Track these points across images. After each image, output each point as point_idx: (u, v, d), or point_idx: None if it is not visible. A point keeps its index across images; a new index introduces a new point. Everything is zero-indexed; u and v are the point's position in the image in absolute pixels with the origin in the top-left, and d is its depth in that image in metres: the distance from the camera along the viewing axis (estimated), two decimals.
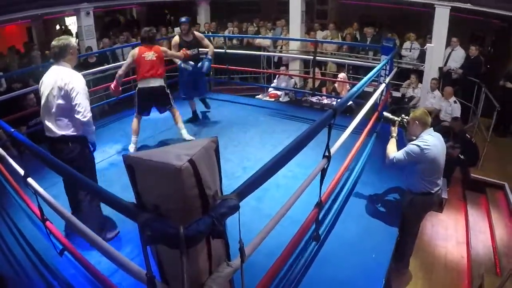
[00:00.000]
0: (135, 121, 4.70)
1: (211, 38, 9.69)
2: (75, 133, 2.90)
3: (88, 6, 8.78)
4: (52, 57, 2.94)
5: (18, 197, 3.22)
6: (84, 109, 2.82)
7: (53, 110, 2.85)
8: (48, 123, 2.89)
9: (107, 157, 4.56)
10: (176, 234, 1.26)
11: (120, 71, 4.52)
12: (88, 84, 7.45)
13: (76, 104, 2.80)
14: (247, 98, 7.11)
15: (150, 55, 4.47)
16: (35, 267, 2.80)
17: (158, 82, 4.54)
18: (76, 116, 2.82)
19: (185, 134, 4.88)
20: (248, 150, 4.62)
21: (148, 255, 1.49)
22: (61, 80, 2.80)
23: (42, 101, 2.92)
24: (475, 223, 4.90)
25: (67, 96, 2.80)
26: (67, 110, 2.84)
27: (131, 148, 4.68)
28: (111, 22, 13.21)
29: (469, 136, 5.84)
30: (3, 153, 3.11)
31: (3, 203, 3.60)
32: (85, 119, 2.85)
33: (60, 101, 2.82)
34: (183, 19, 5.33)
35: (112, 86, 4.54)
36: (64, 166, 2.10)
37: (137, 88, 4.60)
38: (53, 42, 2.91)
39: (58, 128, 2.87)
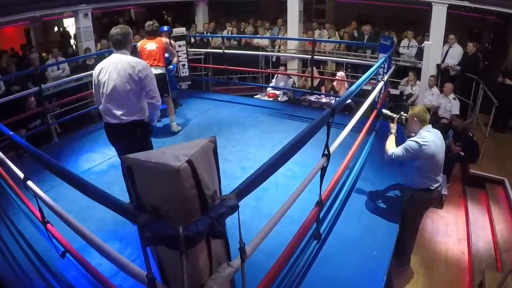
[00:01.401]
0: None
1: (210, 38, 9.73)
2: (141, 118, 3.05)
3: (86, 8, 8.77)
4: (114, 45, 2.98)
5: (19, 200, 3.23)
6: (157, 94, 3.04)
7: (122, 97, 2.93)
8: (115, 111, 2.96)
9: (106, 159, 4.57)
10: (175, 235, 1.26)
11: None
12: (87, 86, 7.54)
13: (150, 89, 2.97)
14: (245, 98, 7.11)
15: (151, 45, 4.84)
16: (37, 270, 2.80)
17: (157, 70, 4.74)
18: (150, 100, 3.01)
19: (174, 126, 5.23)
20: (247, 150, 4.62)
21: (148, 256, 1.49)
22: (132, 68, 2.89)
23: (105, 89, 2.95)
24: (475, 219, 4.91)
25: (139, 82, 2.91)
26: (137, 96, 2.96)
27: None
28: (110, 23, 13.20)
29: (471, 134, 5.85)
30: (3, 156, 3.12)
31: (4, 206, 3.60)
32: (158, 103, 3.07)
33: (132, 88, 2.91)
34: (165, 28, 5.81)
35: None
36: (64, 168, 2.10)
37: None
38: (115, 30, 2.96)
39: (126, 115, 2.97)
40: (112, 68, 2.92)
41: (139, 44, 4.92)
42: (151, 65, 4.72)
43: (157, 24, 5.04)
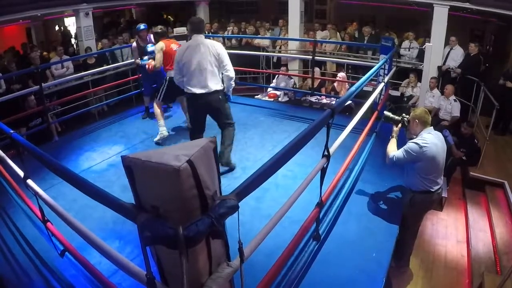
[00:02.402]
0: (156, 107, 4.97)
1: (211, 38, 9.72)
2: (222, 88, 3.78)
3: (87, 7, 8.78)
4: (196, 30, 3.72)
5: (19, 198, 3.23)
6: (231, 68, 3.78)
7: (207, 70, 3.64)
8: (203, 82, 3.66)
9: (106, 158, 4.57)
10: (175, 235, 1.25)
11: (157, 65, 4.96)
12: (87, 85, 7.54)
13: (226, 64, 3.72)
14: (246, 98, 7.09)
15: (175, 46, 4.91)
16: (36, 268, 2.80)
17: None
18: (226, 73, 3.75)
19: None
20: (247, 150, 4.62)
21: (148, 256, 1.49)
22: (214, 48, 3.66)
23: (193, 65, 3.62)
24: (475, 222, 4.91)
25: (218, 59, 3.67)
26: (218, 68, 3.71)
27: (163, 132, 4.86)
28: (110, 23, 13.21)
29: (476, 141, 5.86)
30: (3, 154, 3.12)
31: (4, 205, 3.60)
32: (232, 75, 3.79)
33: (214, 64, 3.66)
34: (141, 26, 5.65)
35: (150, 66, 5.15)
36: (64, 167, 2.10)
37: (167, 78, 4.85)
38: (195, 20, 3.79)
39: (211, 85, 3.67)
40: (197, 48, 3.63)
41: (162, 44, 4.85)
42: None
43: (164, 28, 5.20)
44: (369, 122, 4.22)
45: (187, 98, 3.93)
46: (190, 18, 3.83)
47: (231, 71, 3.76)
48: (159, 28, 5.08)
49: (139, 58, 5.61)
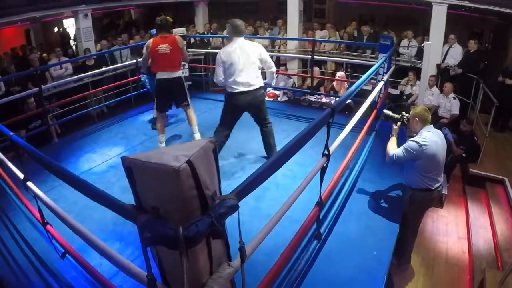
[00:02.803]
0: (158, 120, 4.64)
1: (210, 38, 9.73)
2: (263, 84, 4.06)
3: (86, 8, 8.78)
4: (240, 33, 3.91)
5: (19, 201, 3.23)
6: (273, 64, 4.09)
7: (253, 70, 3.90)
8: (249, 80, 3.89)
9: (106, 159, 4.57)
10: (175, 235, 1.25)
11: (139, 58, 5.09)
12: (87, 86, 7.54)
13: (268, 62, 4.01)
14: None
15: (164, 47, 4.34)
16: (37, 270, 2.79)
17: (174, 74, 4.45)
18: (270, 70, 4.07)
19: (198, 137, 4.73)
20: (247, 150, 4.62)
21: (149, 257, 1.49)
22: (256, 48, 3.93)
23: (240, 65, 3.83)
24: (475, 219, 4.91)
25: (261, 58, 3.94)
26: (259, 68, 3.98)
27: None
28: (109, 24, 13.20)
29: (476, 138, 5.87)
30: (3, 157, 3.12)
31: (4, 207, 3.60)
32: (274, 70, 4.13)
33: (258, 63, 3.94)
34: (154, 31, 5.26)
35: None
36: (64, 169, 2.10)
37: (155, 79, 4.49)
38: (237, 23, 3.91)
39: (256, 83, 3.93)
40: (243, 50, 3.85)
41: (150, 43, 4.40)
42: (167, 70, 4.37)
43: (170, 19, 4.63)
44: (368, 121, 4.22)
45: (227, 96, 4.03)
46: (231, 21, 4.00)
47: (273, 67, 4.09)
48: (158, 20, 4.48)
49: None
